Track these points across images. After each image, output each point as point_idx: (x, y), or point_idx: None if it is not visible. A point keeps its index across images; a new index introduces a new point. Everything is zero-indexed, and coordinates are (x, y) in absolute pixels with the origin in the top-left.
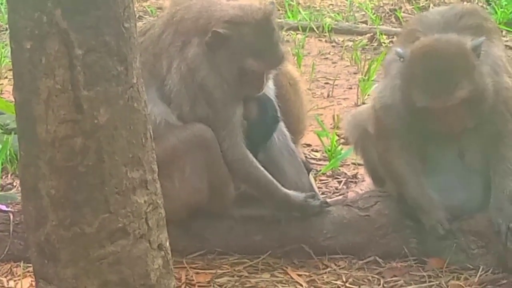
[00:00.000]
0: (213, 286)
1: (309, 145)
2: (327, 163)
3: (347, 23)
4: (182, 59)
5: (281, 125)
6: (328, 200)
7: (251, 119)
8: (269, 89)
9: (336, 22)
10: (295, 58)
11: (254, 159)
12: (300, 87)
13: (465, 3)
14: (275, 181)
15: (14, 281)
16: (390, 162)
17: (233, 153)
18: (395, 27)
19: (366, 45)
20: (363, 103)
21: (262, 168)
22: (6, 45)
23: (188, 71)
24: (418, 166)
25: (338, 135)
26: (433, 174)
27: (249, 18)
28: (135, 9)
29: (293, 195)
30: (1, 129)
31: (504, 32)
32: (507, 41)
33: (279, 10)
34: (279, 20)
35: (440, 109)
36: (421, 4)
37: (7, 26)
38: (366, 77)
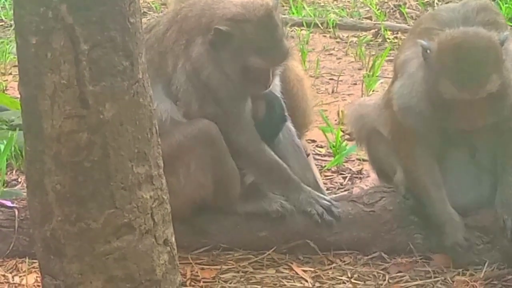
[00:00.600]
0: (218, 282)
1: (314, 141)
2: (332, 159)
3: (351, 19)
4: (186, 59)
5: (289, 120)
6: (333, 195)
7: (259, 118)
8: (276, 85)
9: (340, 18)
10: (300, 54)
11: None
12: (305, 82)
13: None
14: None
15: (19, 277)
16: (413, 170)
17: (251, 145)
18: (399, 23)
19: (371, 41)
20: None
21: (276, 156)
22: (11, 41)
23: (193, 70)
24: (440, 176)
25: (343, 131)
26: (444, 171)
27: (251, 15)
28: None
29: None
30: (6, 125)
31: (509, 28)
32: None
33: (283, 6)
34: (283, 16)
35: (466, 102)
36: (425, 0)
37: (12, 22)
38: (371, 73)
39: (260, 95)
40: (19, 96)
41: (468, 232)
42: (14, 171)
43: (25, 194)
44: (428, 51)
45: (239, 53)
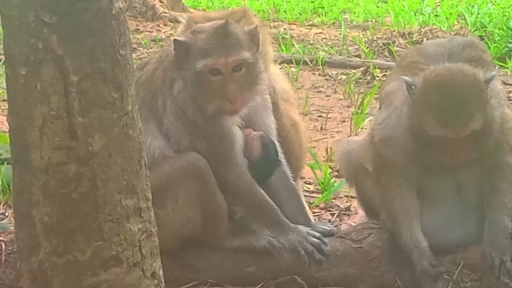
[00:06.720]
0: None
1: (302, 178)
2: (320, 195)
3: (340, 56)
4: (172, 98)
5: (282, 164)
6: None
7: (253, 159)
8: (271, 130)
9: (329, 55)
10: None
11: (259, 187)
12: (300, 127)
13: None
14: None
15: None
16: (387, 201)
17: (241, 183)
18: (388, 61)
19: (360, 78)
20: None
21: (267, 196)
22: (0, 75)
23: (179, 109)
24: (414, 208)
25: (331, 168)
26: (430, 207)
27: (208, 27)
28: None
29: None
30: None
31: (497, 67)
32: (500, 75)
33: (273, 43)
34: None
35: (450, 139)
36: (414, 39)
37: (2, 56)
38: (360, 110)
39: (256, 136)
40: (7, 129)
41: (435, 259)
42: (1, 205)
43: (12, 228)
44: (413, 87)
45: (193, 61)
